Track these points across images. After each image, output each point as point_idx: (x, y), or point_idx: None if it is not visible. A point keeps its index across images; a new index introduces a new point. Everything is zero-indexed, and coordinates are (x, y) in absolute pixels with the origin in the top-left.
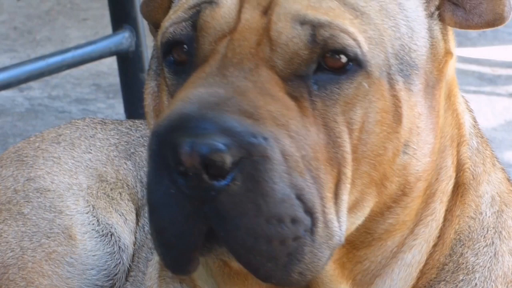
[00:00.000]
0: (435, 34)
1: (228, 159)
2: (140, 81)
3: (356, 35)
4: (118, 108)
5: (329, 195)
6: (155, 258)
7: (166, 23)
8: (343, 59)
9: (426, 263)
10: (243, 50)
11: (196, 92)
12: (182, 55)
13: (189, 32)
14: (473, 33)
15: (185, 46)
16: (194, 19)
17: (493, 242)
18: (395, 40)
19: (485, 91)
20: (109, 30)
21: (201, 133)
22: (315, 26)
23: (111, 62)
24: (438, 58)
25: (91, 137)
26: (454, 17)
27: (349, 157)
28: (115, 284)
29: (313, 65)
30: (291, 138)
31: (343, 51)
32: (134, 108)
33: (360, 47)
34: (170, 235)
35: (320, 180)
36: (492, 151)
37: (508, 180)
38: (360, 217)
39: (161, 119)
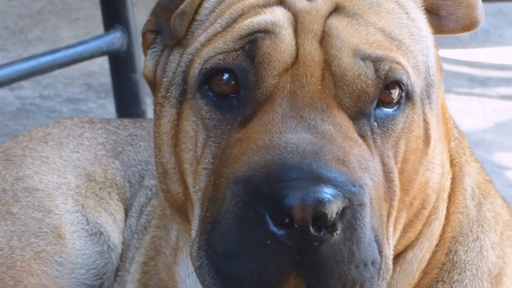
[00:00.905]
0: (434, 48)
1: (335, 210)
2: (131, 81)
3: (407, 67)
4: (109, 108)
5: (384, 231)
6: (135, 276)
7: (209, 50)
8: (397, 92)
9: (428, 263)
10: (311, 88)
11: (286, 139)
12: (225, 87)
13: (243, 63)
14: (464, 35)
15: (227, 75)
16: (251, 51)
17: (478, 236)
18: (423, 64)
19: (475, 93)
20: (100, 30)
21: (309, 185)
22: (375, 61)
23: (103, 62)
24: (439, 69)
25: (79, 136)
26: (430, 24)
27: (398, 190)
28: (104, 283)
29: (375, 101)
30: (372, 181)
31: (400, 82)
32: (125, 108)
33: (410, 78)
34: (251, 283)
35: (382, 218)
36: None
37: (483, 169)
38: (394, 242)
39: (250, 167)
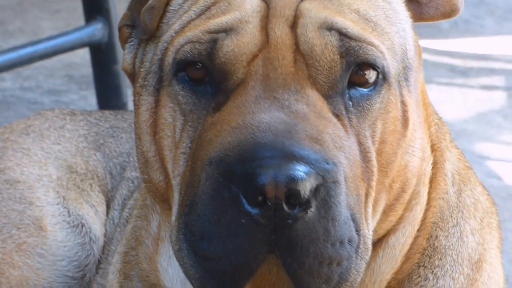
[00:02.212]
0: (413, 32)
1: (309, 188)
2: (112, 73)
3: (382, 48)
4: (90, 99)
5: (363, 210)
6: (116, 266)
7: (180, 39)
8: (372, 73)
9: (410, 248)
10: (284, 70)
11: (259, 119)
12: (198, 73)
13: (207, 60)
14: (445, 25)
15: (199, 64)
16: (211, 53)
17: (458, 222)
18: (400, 46)
19: (456, 83)
20: (82, 21)
21: (282, 163)
22: (341, 34)
23: (84, 54)
24: (417, 53)
25: (60, 128)
26: (409, 11)
27: (375, 170)
28: (86, 275)
29: (346, 75)
30: (347, 159)
31: (373, 64)
32: (106, 100)
33: (386, 59)
34: (228, 263)
35: (359, 197)
36: (447, 126)
37: (463, 156)
38: (374, 224)
39: (223, 147)
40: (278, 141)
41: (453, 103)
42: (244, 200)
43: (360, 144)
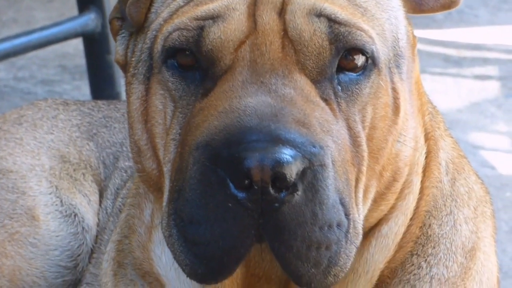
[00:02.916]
0: (406, 21)
1: (295, 171)
2: (106, 63)
3: (371, 32)
4: (84, 89)
5: (353, 195)
6: (110, 254)
7: (169, 27)
8: (362, 58)
9: (403, 236)
10: (272, 55)
11: (245, 103)
12: (187, 59)
13: (195, 47)
14: (439, 15)
15: (188, 51)
16: (198, 41)
17: (451, 211)
18: (390, 33)
19: (450, 73)
20: (75, 11)
21: (268, 146)
22: (330, 20)
23: (77, 44)
24: (411, 43)
25: (53, 118)
26: (409, 2)
27: (366, 155)
28: (79, 264)
29: (335, 61)
30: (335, 144)
31: (362, 49)
32: (100, 90)
33: (375, 44)
34: (216, 248)
35: (349, 182)
36: (441, 115)
37: (457, 145)
38: (365, 211)
39: (209, 132)
40: (264, 125)
41: (447, 93)
42: (230, 184)
43: (350, 128)
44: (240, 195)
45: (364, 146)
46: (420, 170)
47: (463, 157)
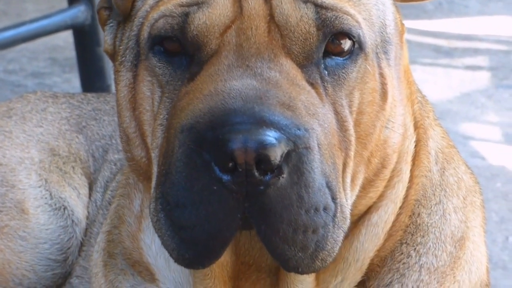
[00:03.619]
0: (394, 8)
1: (279, 153)
2: (96, 55)
3: (357, 17)
4: (74, 82)
5: (340, 179)
6: (101, 245)
7: (155, 14)
8: (348, 42)
9: (393, 225)
10: (257, 39)
11: (230, 85)
12: (174, 45)
13: (180, 34)
14: (429, 5)
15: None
16: (183, 27)
17: (440, 200)
18: (378, 18)
19: (441, 63)
20: (65, 3)
21: (252, 128)
22: (317, 5)
23: (67, 36)
24: (399, 30)
25: (42, 110)
26: None
27: (353, 139)
28: (68, 257)
29: (322, 46)
30: (321, 127)
31: (348, 33)
32: (90, 82)
33: (361, 28)
34: (202, 231)
35: (336, 166)
36: (431, 105)
37: (447, 134)
38: (353, 196)
39: (194, 115)
40: (249, 107)
41: (437, 83)
42: (215, 167)
43: (337, 113)
44: (225, 177)
45: (352, 131)
46: (409, 158)
47: (453, 147)
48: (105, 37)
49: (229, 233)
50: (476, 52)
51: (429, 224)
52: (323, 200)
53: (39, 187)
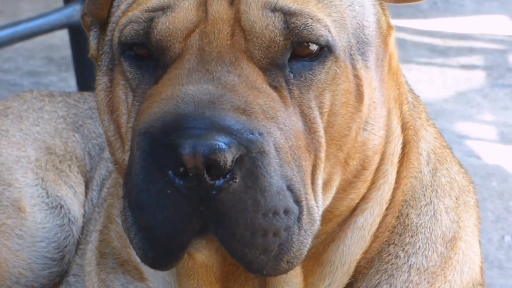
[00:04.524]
0: (377, 10)
1: (230, 158)
2: None
3: (326, 21)
4: (70, 81)
5: (308, 181)
6: (94, 244)
7: (123, 20)
8: (315, 46)
9: (379, 226)
10: (219, 43)
11: (186, 90)
12: (142, 50)
13: (145, 39)
14: (424, 5)
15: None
16: (147, 32)
17: (431, 201)
18: (353, 19)
19: (436, 62)
20: (60, 2)
21: (201, 133)
22: (286, 14)
23: (63, 35)
24: (383, 32)
25: (39, 109)
26: None
27: (323, 141)
28: (65, 256)
29: (288, 53)
30: (280, 130)
31: (317, 41)
32: (86, 81)
33: (330, 32)
34: (160, 233)
35: (302, 168)
36: (424, 105)
37: (440, 135)
38: (328, 198)
39: (150, 118)
40: (200, 112)
41: (432, 82)
42: (169, 171)
43: (304, 115)
44: (178, 181)
45: (321, 132)
46: (395, 160)
47: (446, 148)
48: (90, 42)
49: (186, 237)
50: (471, 51)
51: (418, 225)
52: (283, 203)
53: (36, 185)
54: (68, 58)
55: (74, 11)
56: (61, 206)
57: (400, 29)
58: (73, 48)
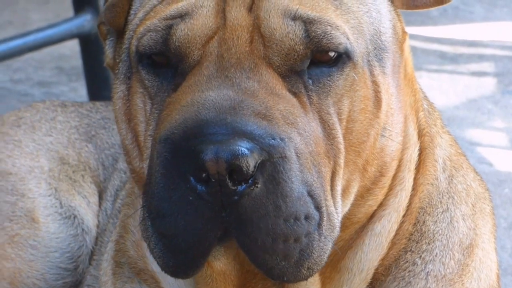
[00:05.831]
0: (392, 15)
1: (252, 163)
2: (102, 64)
3: (344, 28)
4: (81, 91)
5: (328, 187)
6: (110, 253)
7: (141, 28)
8: (334, 52)
9: (396, 233)
10: (238, 49)
11: (206, 96)
12: (160, 58)
13: (164, 47)
14: (434, 12)
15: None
16: (166, 39)
17: (448, 208)
18: (370, 26)
19: (446, 69)
20: (70, 12)
21: (223, 139)
22: (306, 22)
23: (74, 45)
24: (399, 38)
25: (51, 119)
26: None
27: (342, 147)
28: (79, 266)
29: (308, 60)
30: (301, 136)
31: (336, 49)
32: (97, 91)
33: (348, 39)
34: (182, 241)
35: (322, 174)
36: (439, 112)
37: (455, 142)
38: (347, 205)
39: (170, 125)
40: (221, 117)
41: (443, 89)
42: (190, 177)
43: (323, 121)
44: (200, 188)
45: (340, 139)
46: (412, 166)
47: (461, 155)
48: (106, 51)
49: (208, 243)
50: (481, 58)
51: (435, 232)
52: (304, 209)
53: (49, 196)
54: (78, 68)
55: (85, 21)
56: (75, 216)
57: (410, 36)
58: (83, 58)
